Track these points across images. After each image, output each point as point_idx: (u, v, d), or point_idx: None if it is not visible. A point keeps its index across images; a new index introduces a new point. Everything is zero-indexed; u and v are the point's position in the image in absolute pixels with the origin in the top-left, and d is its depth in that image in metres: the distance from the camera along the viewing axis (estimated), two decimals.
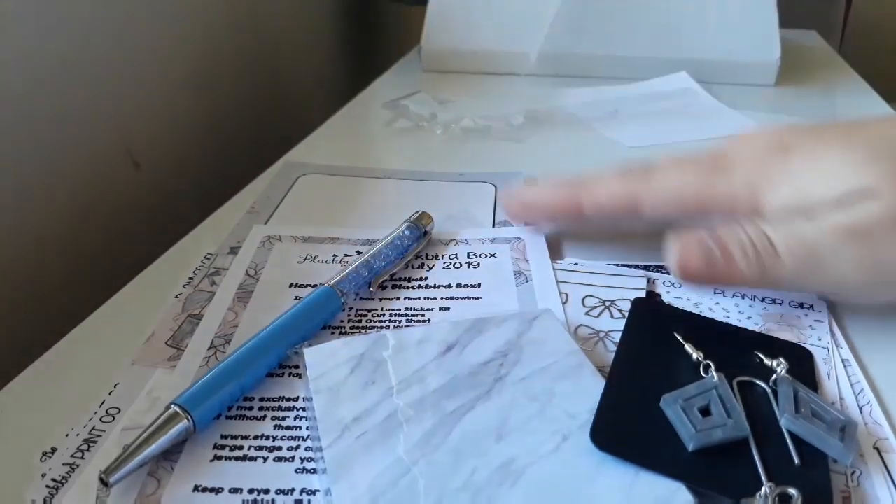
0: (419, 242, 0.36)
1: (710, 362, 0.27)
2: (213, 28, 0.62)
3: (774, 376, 0.26)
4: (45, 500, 0.23)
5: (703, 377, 0.26)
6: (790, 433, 0.24)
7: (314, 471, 0.24)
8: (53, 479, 0.24)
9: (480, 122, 0.56)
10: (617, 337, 0.30)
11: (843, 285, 0.30)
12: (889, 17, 1.00)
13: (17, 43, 0.41)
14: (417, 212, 0.37)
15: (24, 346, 0.31)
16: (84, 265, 0.46)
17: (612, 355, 0.29)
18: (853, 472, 0.24)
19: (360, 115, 0.61)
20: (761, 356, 0.28)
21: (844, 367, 0.29)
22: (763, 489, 0.22)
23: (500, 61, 0.72)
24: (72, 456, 0.25)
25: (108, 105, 0.49)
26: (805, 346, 0.30)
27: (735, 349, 0.28)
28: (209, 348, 0.30)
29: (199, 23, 0.60)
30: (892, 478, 0.24)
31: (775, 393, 0.26)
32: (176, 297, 0.34)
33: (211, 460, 0.25)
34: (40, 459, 0.25)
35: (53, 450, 0.25)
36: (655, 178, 0.33)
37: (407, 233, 0.36)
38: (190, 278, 0.35)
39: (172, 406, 0.25)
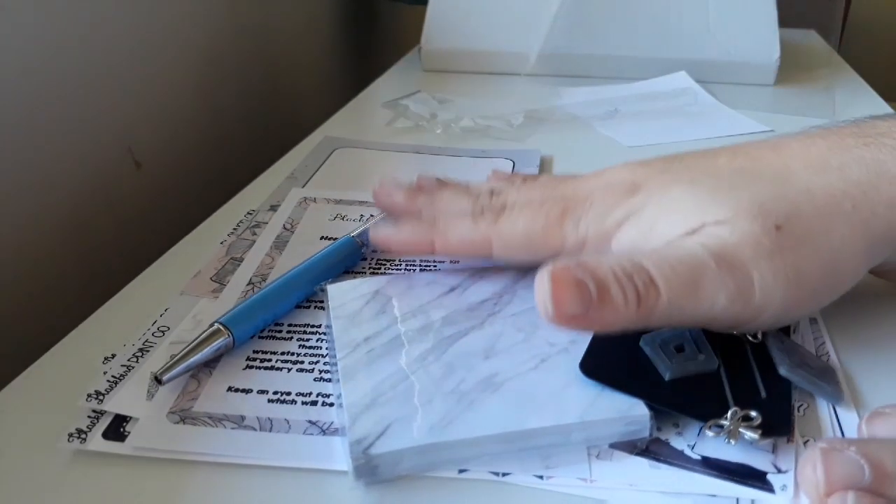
0: None
1: None
2: (213, 29, 0.62)
3: None
4: (105, 391, 0.28)
5: None
6: (763, 376, 0.27)
7: (329, 380, 0.28)
8: (113, 376, 0.28)
9: (480, 121, 0.57)
10: None
11: (713, 315, 0.27)
12: (888, 17, 1.00)
13: (18, 43, 0.41)
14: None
15: (25, 343, 0.33)
16: (85, 264, 0.47)
17: None
18: (800, 405, 0.27)
19: (360, 115, 0.62)
20: None
21: (811, 323, 0.32)
22: (729, 411, 0.25)
23: (499, 61, 0.73)
24: (128, 360, 0.29)
25: (110, 105, 0.49)
26: None
27: None
28: (247, 284, 0.35)
29: (200, 24, 0.60)
30: (836, 412, 0.27)
31: (748, 340, 0.29)
32: (221, 243, 0.38)
33: (244, 369, 0.29)
34: (102, 362, 0.30)
35: (113, 355, 0.30)
36: (505, 221, 0.32)
37: None
38: (234, 229, 0.40)
39: (216, 324, 0.29)
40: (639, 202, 0.30)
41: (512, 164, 0.48)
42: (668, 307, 0.25)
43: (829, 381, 0.28)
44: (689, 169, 0.31)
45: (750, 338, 0.29)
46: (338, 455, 0.25)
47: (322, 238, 0.39)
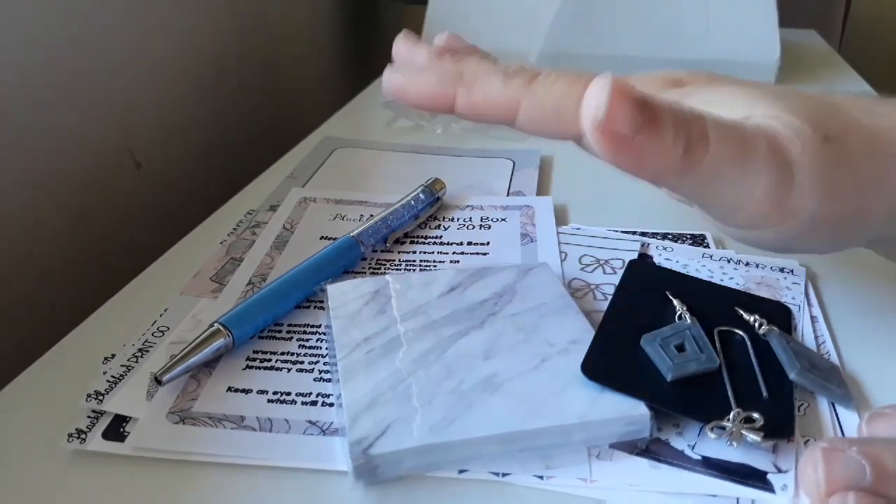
0: (432, 205, 0.40)
1: (684, 308, 0.30)
2: (214, 29, 0.62)
3: (763, 329, 0.29)
4: (105, 391, 0.28)
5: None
6: (767, 378, 0.27)
7: (329, 380, 0.28)
8: (113, 376, 0.28)
9: None
10: (606, 290, 0.34)
11: (744, 200, 0.25)
12: (889, 17, 1.00)
13: (20, 44, 0.41)
14: (431, 178, 0.41)
15: (25, 343, 0.33)
16: (85, 264, 0.47)
17: (601, 304, 0.32)
18: (801, 405, 0.27)
19: (360, 115, 0.62)
20: (740, 311, 0.31)
21: (812, 322, 0.32)
22: (732, 413, 0.25)
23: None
24: (128, 360, 0.29)
25: (111, 106, 0.49)
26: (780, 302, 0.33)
27: (718, 304, 0.31)
28: (247, 284, 0.35)
29: (201, 24, 0.60)
30: (836, 411, 0.27)
31: (752, 340, 0.29)
32: (221, 243, 0.38)
33: (243, 369, 0.29)
34: (102, 362, 0.30)
35: (113, 355, 0.30)
36: (541, 84, 0.28)
37: (421, 196, 0.40)
38: (234, 229, 0.40)
39: (216, 324, 0.29)
40: (684, 92, 0.29)
41: (512, 164, 0.48)
42: (709, 168, 0.24)
43: (838, 383, 0.28)
44: (736, 81, 0.30)
45: (747, 335, 0.29)
46: (338, 455, 0.25)
47: (322, 238, 0.39)
